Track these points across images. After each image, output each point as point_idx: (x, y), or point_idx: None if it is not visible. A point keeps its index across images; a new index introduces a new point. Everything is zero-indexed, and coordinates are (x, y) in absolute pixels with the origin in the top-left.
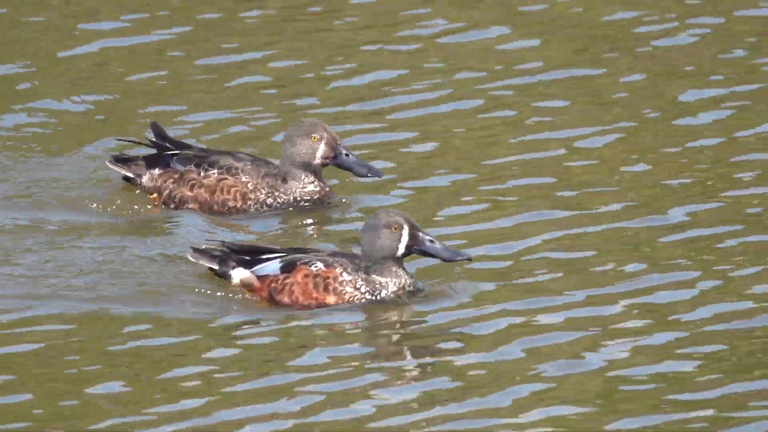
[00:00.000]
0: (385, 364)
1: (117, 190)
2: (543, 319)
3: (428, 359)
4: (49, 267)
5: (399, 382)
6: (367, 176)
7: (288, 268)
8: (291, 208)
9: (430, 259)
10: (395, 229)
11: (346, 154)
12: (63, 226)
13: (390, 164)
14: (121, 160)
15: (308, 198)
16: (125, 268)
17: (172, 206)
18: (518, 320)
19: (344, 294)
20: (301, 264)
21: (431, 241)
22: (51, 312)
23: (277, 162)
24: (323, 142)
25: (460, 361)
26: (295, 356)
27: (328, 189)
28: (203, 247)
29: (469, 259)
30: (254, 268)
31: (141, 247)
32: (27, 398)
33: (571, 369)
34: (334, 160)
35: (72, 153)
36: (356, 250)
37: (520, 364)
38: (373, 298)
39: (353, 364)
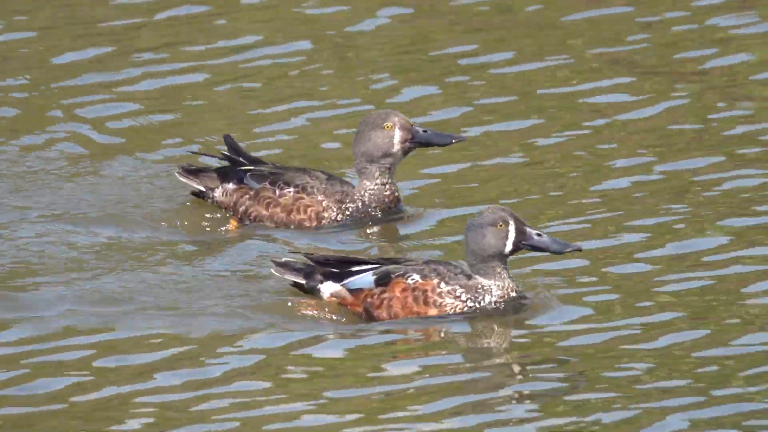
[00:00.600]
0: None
1: (185, 204)
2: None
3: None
4: (134, 285)
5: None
6: (452, 143)
7: (383, 280)
8: (363, 218)
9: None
10: (501, 225)
11: (424, 131)
12: (141, 244)
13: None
14: (191, 172)
15: (377, 201)
16: (213, 287)
17: (248, 223)
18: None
19: (445, 305)
20: (397, 276)
21: (539, 234)
22: (137, 331)
23: (351, 180)
24: (397, 126)
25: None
26: (400, 372)
27: (397, 194)
28: (284, 260)
29: (580, 250)
30: (345, 282)
31: (222, 263)
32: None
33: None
34: (413, 140)
35: (126, 164)
36: (427, 254)
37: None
38: (476, 305)
39: (457, 382)
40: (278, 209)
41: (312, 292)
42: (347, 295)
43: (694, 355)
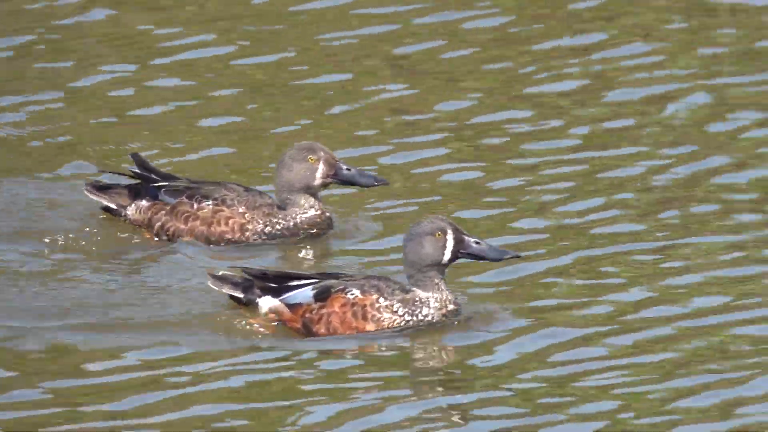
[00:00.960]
0: (420, 399)
1: (99, 220)
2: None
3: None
4: (54, 297)
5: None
6: (374, 185)
7: (322, 295)
8: (291, 236)
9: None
10: (439, 235)
11: (347, 169)
12: (62, 258)
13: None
14: (100, 189)
15: (308, 224)
16: (140, 300)
17: (165, 238)
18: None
19: (382, 321)
20: (336, 291)
21: (477, 242)
22: (62, 340)
23: (268, 192)
24: (321, 161)
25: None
26: (331, 388)
27: (328, 214)
28: (221, 273)
29: (518, 257)
30: (284, 296)
31: (150, 278)
32: None
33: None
34: (336, 177)
35: (37, 179)
36: (367, 270)
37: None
38: (414, 318)
39: (389, 396)
40: (198, 222)
41: (250, 306)
42: (285, 310)
43: (628, 361)
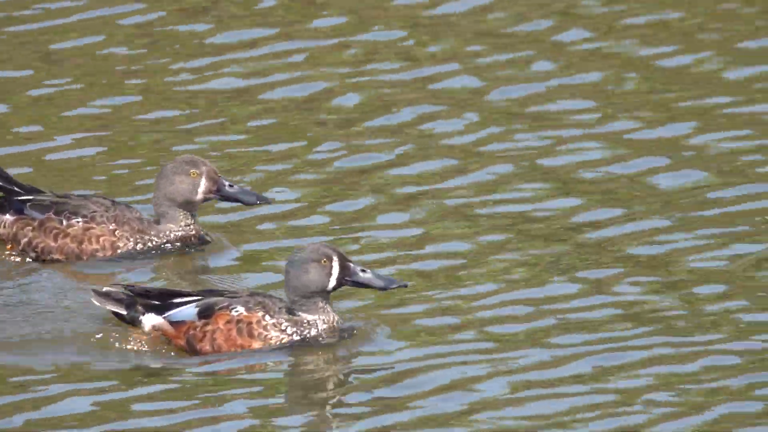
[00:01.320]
0: (314, 412)
1: None
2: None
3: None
4: None
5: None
6: (256, 204)
7: (206, 313)
8: (162, 252)
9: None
10: (324, 262)
11: (230, 185)
12: None
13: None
14: None
15: (181, 240)
16: (10, 316)
17: (33, 255)
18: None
19: (270, 338)
20: (220, 309)
21: (363, 270)
22: None
23: (136, 206)
24: (204, 176)
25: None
26: (217, 407)
27: (201, 229)
28: (105, 289)
29: (405, 286)
30: (167, 314)
31: (20, 294)
32: None
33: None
34: (218, 193)
35: None
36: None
37: (455, 414)
38: (301, 338)
39: (276, 411)
40: (68, 240)
41: (133, 323)
42: (169, 327)
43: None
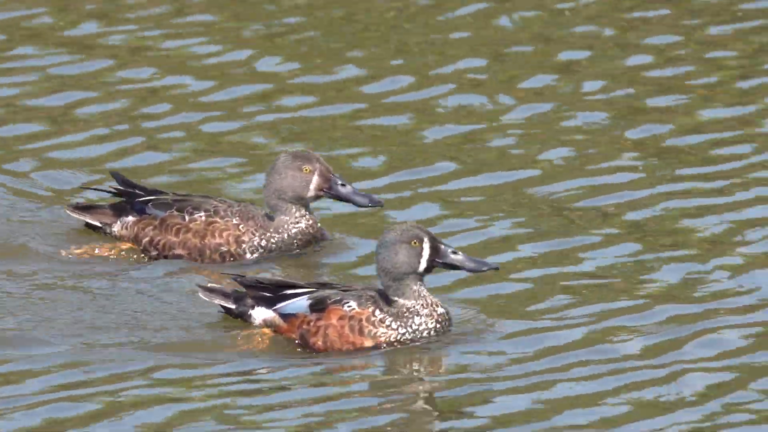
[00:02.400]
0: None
1: (78, 237)
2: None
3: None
4: (61, 314)
5: None
6: (368, 206)
7: (318, 306)
8: (284, 249)
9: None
10: (415, 243)
11: (342, 184)
12: (46, 275)
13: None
14: (83, 209)
15: (301, 236)
16: (129, 316)
17: (155, 253)
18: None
19: (378, 336)
20: (333, 303)
21: (454, 252)
22: (64, 360)
23: (259, 207)
24: (316, 173)
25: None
26: (333, 408)
27: (319, 224)
28: (211, 284)
29: (497, 269)
30: (277, 306)
31: (136, 294)
32: None
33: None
34: (329, 191)
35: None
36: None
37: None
38: (408, 330)
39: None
40: (190, 235)
41: (242, 317)
42: (281, 322)
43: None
